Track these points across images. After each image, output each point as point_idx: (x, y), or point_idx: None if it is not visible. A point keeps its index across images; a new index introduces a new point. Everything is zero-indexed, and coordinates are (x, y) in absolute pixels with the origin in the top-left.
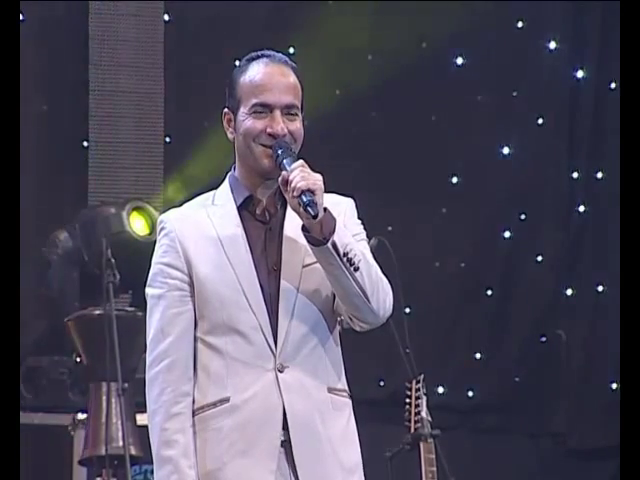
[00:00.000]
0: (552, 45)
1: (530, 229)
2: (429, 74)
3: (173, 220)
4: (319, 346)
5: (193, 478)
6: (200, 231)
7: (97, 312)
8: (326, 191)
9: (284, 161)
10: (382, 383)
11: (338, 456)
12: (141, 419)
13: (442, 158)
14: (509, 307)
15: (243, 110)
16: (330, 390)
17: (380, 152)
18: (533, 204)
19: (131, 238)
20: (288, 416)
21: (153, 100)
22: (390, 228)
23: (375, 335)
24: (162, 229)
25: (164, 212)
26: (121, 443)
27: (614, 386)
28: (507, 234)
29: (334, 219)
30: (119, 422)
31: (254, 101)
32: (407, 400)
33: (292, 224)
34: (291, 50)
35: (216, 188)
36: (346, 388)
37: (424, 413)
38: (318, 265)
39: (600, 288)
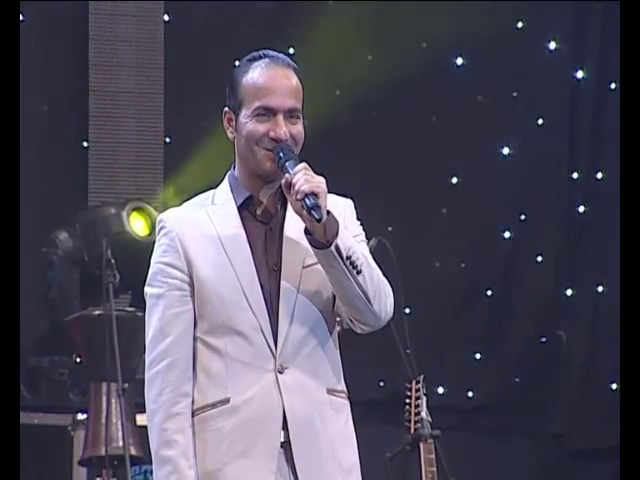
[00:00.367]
0: (552, 45)
1: (530, 229)
2: (429, 74)
3: (173, 219)
4: (319, 347)
5: (193, 478)
6: (200, 231)
7: (97, 312)
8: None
9: (286, 164)
10: (382, 383)
11: (337, 457)
12: (141, 419)
13: (442, 158)
14: (509, 307)
15: (245, 112)
16: (329, 391)
17: (380, 152)
18: (533, 204)
19: (131, 238)
20: (288, 417)
21: (153, 100)
22: (390, 228)
23: (375, 335)
24: (162, 228)
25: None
26: (121, 443)
27: (614, 386)
28: (507, 234)
29: (337, 222)
30: (119, 422)
31: (257, 104)
32: (407, 400)
33: (293, 225)
34: (291, 50)
35: (215, 187)
36: (345, 389)
37: (424, 413)
38: (318, 266)
39: (600, 288)
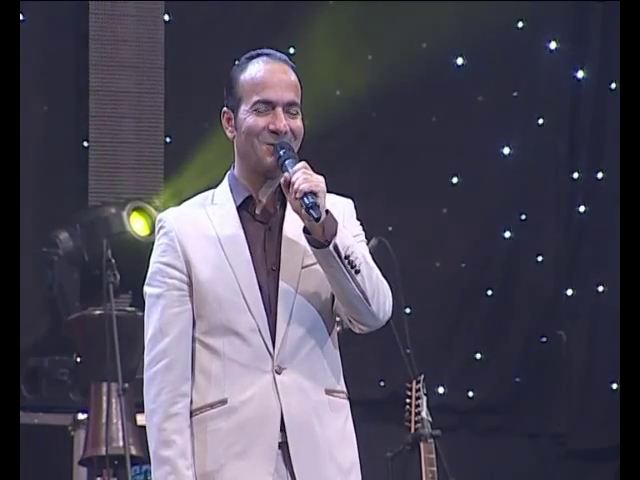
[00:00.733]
0: (552, 45)
1: (530, 229)
2: (429, 74)
3: (172, 219)
4: (317, 347)
5: (191, 479)
6: (199, 231)
7: (97, 312)
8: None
9: (286, 162)
10: (382, 383)
11: (336, 458)
12: (141, 419)
13: (442, 158)
14: (509, 307)
15: (244, 108)
16: (328, 391)
17: (380, 152)
18: (533, 204)
19: (131, 238)
20: (286, 418)
21: (153, 100)
22: (390, 228)
23: (375, 335)
24: (161, 228)
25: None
26: (121, 443)
27: (614, 386)
28: (507, 234)
29: (336, 221)
30: (119, 422)
31: (256, 98)
32: (407, 400)
33: (292, 224)
34: (291, 50)
35: (215, 187)
36: (344, 389)
37: (424, 413)
38: (317, 266)
39: (600, 288)
